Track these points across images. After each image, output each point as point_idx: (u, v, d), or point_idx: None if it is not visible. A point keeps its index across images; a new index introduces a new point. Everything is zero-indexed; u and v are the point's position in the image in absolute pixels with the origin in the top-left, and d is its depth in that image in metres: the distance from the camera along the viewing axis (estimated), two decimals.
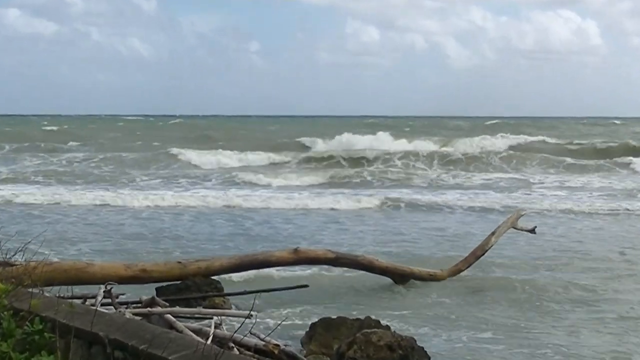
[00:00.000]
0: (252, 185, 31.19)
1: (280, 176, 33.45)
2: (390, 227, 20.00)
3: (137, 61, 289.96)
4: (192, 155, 41.81)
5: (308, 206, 24.25)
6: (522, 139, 49.27)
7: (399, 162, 39.02)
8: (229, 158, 41.96)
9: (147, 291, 10.71)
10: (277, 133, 60.68)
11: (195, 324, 8.67)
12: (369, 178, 33.09)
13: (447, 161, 39.09)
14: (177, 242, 17.10)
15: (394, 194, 27.29)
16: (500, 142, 47.40)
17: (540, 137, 50.74)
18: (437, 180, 32.55)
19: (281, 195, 26.62)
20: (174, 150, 42.83)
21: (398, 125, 67.85)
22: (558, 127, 68.09)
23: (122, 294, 9.89)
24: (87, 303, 8.76)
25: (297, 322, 10.24)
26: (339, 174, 34.34)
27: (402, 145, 45.86)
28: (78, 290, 9.62)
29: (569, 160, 38.72)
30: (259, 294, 9.98)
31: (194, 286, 11.31)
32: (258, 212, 23.00)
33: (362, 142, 47.74)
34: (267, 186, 30.91)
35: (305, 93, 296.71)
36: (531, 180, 32.24)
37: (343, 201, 25.02)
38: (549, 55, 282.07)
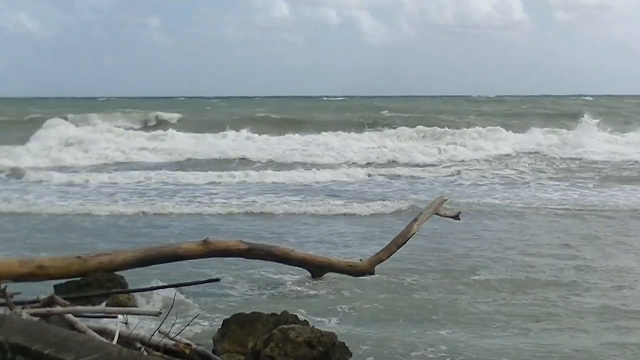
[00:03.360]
0: None
1: None
2: None
3: (26, 39, 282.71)
4: None
5: None
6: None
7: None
8: None
9: (45, 289, 10.58)
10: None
11: (98, 324, 8.61)
12: None
13: None
14: None
15: None
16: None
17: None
18: None
19: None
20: None
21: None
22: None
23: (18, 293, 9.74)
24: None
25: (209, 319, 10.27)
26: None
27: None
28: None
29: None
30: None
31: (95, 283, 11.22)
32: None
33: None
34: None
35: (211, 72, 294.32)
36: None
37: None
38: (470, 30, 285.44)
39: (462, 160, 34.48)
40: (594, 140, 38.72)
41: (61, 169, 32.08)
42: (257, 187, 26.41)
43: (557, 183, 27.43)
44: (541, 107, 66.09)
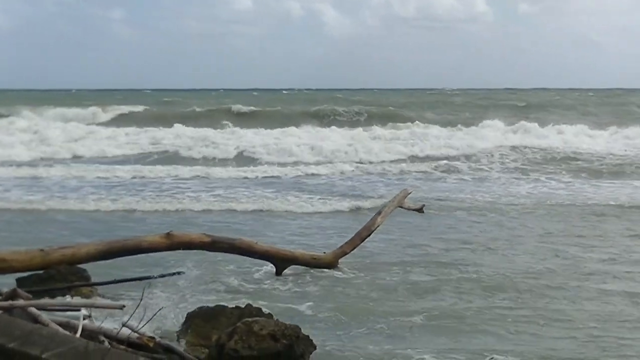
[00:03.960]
0: None
1: None
2: None
3: None
4: None
5: None
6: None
7: None
8: None
9: (8, 282, 10.55)
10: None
11: (61, 317, 8.59)
12: None
13: None
14: None
15: None
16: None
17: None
18: None
19: None
20: None
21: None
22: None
23: None
24: None
25: (173, 312, 10.26)
26: None
27: None
28: None
29: None
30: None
31: (58, 275, 11.20)
32: None
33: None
34: None
35: (174, 65, 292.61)
36: None
37: None
38: (433, 23, 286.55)
39: (427, 155, 34.31)
40: (559, 134, 39.01)
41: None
42: (224, 182, 26.25)
43: (523, 176, 27.63)
44: (504, 100, 66.40)
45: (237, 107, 53.71)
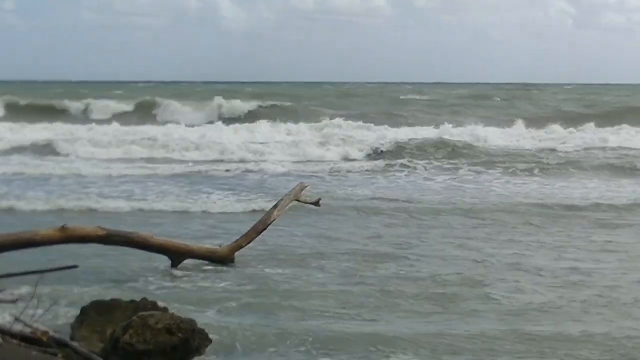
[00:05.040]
0: None
1: None
2: None
3: None
4: None
5: None
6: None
7: None
8: None
9: None
10: None
11: None
12: None
13: None
14: None
15: None
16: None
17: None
18: None
19: None
20: None
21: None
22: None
23: None
24: None
25: (68, 305, 10.21)
26: None
27: None
28: None
29: None
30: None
31: None
32: None
33: None
34: None
35: (69, 57, 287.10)
36: None
37: None
38: (331, 16, 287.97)
39: (327, 147, 33.95)
40: (457, 128, 39.26)
41: None
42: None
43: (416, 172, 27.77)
44: (405, 94, 67.12)
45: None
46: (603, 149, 34.46)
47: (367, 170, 27.90)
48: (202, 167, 27.93)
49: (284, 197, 15.08)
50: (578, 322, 10.29)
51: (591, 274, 12.85)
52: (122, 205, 19.46)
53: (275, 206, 14.65)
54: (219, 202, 20.17)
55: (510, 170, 27.28)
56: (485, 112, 49.07)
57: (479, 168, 28.10)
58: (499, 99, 61.04)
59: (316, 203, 15.47)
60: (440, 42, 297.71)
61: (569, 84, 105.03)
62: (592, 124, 41.16)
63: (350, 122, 41.64)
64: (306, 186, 15.82)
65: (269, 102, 51.59)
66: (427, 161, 29.47)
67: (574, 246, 15.05)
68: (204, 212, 19.01)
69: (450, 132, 37.49)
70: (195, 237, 14.92)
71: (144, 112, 47.50)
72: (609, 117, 44.53)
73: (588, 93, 73.88)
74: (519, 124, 42.24)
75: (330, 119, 42.80)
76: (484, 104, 55.83)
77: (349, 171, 27.68)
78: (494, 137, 37.24)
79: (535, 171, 27.21)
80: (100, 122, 42.15)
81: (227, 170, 27.52)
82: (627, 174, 26.76)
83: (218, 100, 49.67)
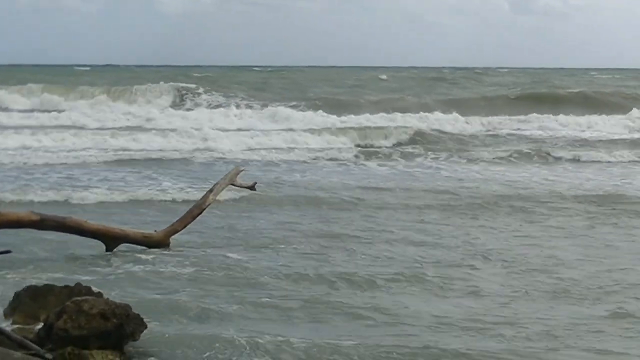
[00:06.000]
0: None
1: None
2: None
3: None
4: None
5: None
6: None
7: None
8: None
9: None
10: None
11: None
12: None
13: None
14: None
15: None
16: None
17: None
18: None
19: None
20: None
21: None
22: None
23: None
24: None
25: (0, 291, 10.13)
26: None
27: None
28: None
29: None
30: None
31: None
32: None
33: None
34: None
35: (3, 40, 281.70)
36: None
37: None
38: (267, 0, 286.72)
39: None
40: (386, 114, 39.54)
41: None
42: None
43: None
44: (342, 78, 67.08)
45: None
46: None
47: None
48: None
49: (219, 181, 15.08)
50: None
51: None
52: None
53: (210, 190, 14.64)
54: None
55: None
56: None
57: None
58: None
59: (252, 187, 15.49)
60: (374, 25, 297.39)
61: (503, 68, 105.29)
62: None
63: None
64: (242, 170, 15.82)
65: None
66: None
67: None
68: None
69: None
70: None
71: None
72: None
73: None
74: None
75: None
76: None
77: None
78: None
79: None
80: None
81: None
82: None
83: None
